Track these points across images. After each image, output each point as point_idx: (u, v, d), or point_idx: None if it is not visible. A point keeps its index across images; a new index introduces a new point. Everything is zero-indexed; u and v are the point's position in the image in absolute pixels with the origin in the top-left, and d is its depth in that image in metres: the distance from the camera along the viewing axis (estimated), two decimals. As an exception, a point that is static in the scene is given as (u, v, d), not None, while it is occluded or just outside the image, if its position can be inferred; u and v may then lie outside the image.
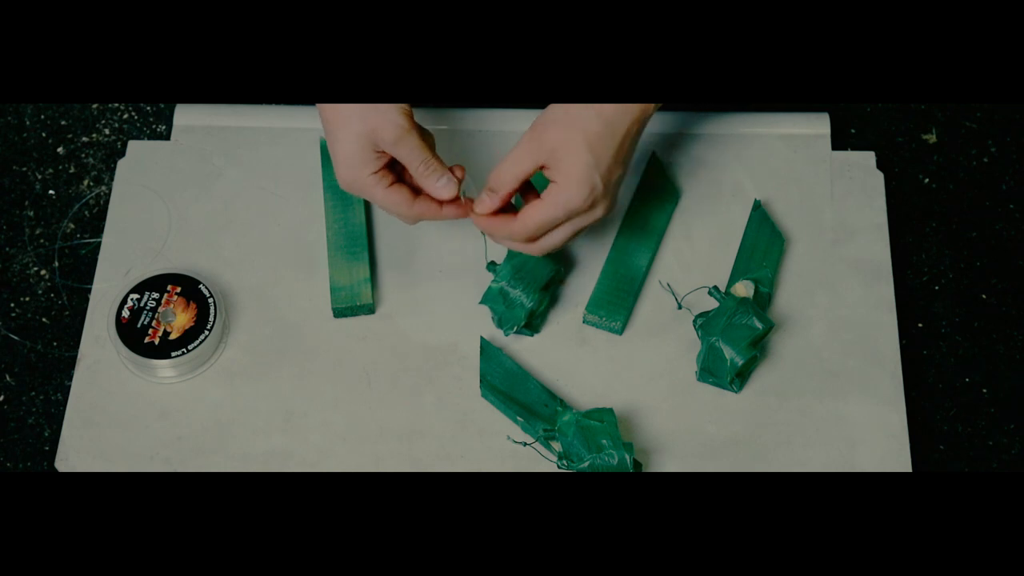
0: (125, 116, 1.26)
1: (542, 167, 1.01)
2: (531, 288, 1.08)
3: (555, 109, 1.01)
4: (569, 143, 0.99)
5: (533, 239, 1.02)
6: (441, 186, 1.03)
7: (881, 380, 1.08)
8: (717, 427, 1.06)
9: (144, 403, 1.07)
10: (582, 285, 1.12)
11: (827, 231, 1.14)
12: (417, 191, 1.04)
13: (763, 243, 1.13)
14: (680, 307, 1.10)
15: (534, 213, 1.00)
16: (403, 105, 1.01)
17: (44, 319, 1.15)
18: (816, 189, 1.16)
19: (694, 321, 1.08)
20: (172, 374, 1.08)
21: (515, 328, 1.08)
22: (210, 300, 1.09)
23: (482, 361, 1.08)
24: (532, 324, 1.09)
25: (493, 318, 1.09)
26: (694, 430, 1.06)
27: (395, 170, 1.04)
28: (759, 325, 1.06)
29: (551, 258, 1.09)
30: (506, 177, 1.01)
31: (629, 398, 1.07)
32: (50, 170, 1.23)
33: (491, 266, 1.09)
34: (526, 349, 1.09)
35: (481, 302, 1.09)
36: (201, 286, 1.10)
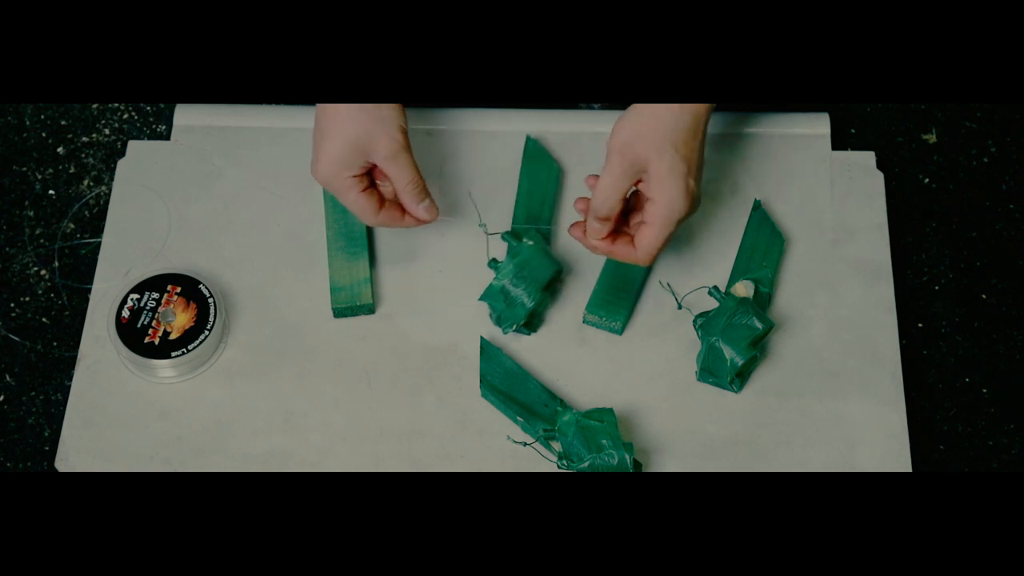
0: (125, 116, 1.26)
1: (638, 182, 1.02)
2: (533, 287, 1.08)
3: (634, 118, 1.01)
4: (662, 156, 1.00)
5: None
6: (424, 208, 1.07)
7: (881, 380, 1.08)
8: (717, 427, 1.06)
9: (144, 403, 1.07)
10: (582, 285, 1.12)
11: (827, 231, 1.14)
12: (383, 198, 1.07)
13: (763, 243, 1.13)
14: (680, 307, 1.10)
15: (651, 239, 1.02)
16: (400, 123, 1.04)
17: (44, 319, 1.15)
18: (816, 189, 1.16)
19: (694, 321, 1.08)
20: (172, 374, 1.08)
21: (514, 327, 1.08)
22: (210, 300, 1.09)
23: (482, 361, 1.08)
24: (531, 323, 1.09)
25: (491, 315, 1.09)
26: (694, 430, 1.06)
27: (369, 176, 1.06)
28: (759, 325, 1.06)
29: (552, 258, 1.09)
30: (610, 201, 1.02)
31: (629, 398, 1.07)
32: (50, 170, 1.23)
33: (493, 263, 1.09)
34: (526, 349, 1.09)
35: (481, 298, 1.09)
36: (201, 286, 1.10)
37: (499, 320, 1.09)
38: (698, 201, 1.03)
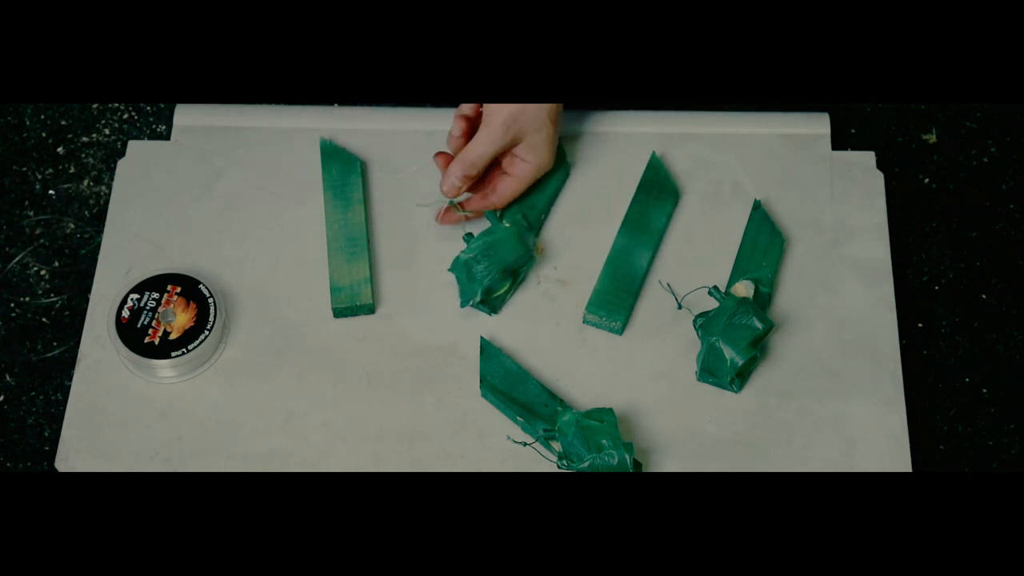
0: (125, 116, 1.26)
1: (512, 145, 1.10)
2: (494, 267, 1.08)
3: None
4: (540, 130, 1.09)
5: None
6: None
7: (881, 380, 1.07)
8: (717, 427, 1.06)
9: (144, 403, 1.07)
10: (582, 285, 1.12)
11: (827, 231, 1.14)
12: None
13: (763, 243, 1.13)
14: (680, 307, 1.10)
15: (515, 189, 1.12)
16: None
17: (44, 319, 1.15)
18: (816, 189, 1.16)
19: (694, 321, 1.08)
20: (172, 374, 1.08)
21: (471, 302, 1.09)
22: (210, 300, 1.09)
23: (482, 361, 1.08)
24: (490, 303, 1.10)
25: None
26: (694, 430, 1.06)
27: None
28: (759, 325, 1.06)
29: (523, 244, 1.10)
30: (483, 160, 1.11)
31: (629, 398, 1.07)
32: (50, 170, 1.23)
33: (467, 237, 1.10)
34: (526, 349, 1.09)
35: (449, 269, 1.10)
36: (201, 286, 1.10)
37: (460, 293, 1.09)
38: (554, 158, 1.13)
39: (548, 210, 1.15)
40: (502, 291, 1.11)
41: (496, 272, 1.09)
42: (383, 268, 1.13)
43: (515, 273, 1.11)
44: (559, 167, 1.16)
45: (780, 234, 1.13)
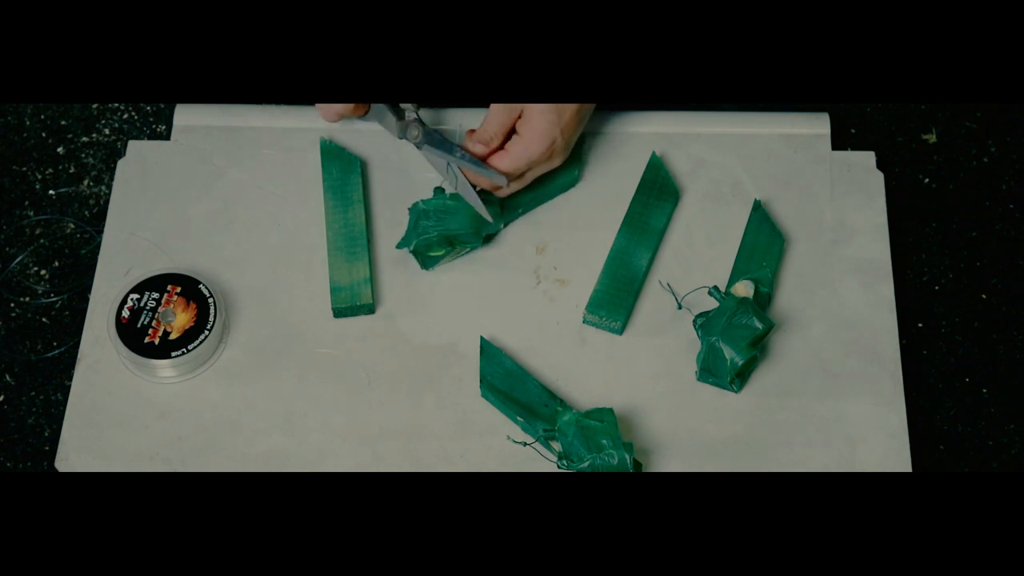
0: (125, 116, 1.26)
1: (517, 118, 1.09)
2: (437, 228, 1.10)
3: None
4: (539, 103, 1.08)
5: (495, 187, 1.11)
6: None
7: (881, 380, 1.08)
8: (717, 427, 1.06)
9: (144, 403, 1.07)
10: (582, 285, 1.12)
11: (827, 231, 1.14)
12: None
13: (763, 243, 1.13)
14: (680, 307, 1.10)
15: (501, 165, 1.10)
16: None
17: (44, 319, 1.15)
18: (816, 189, 1.16)
19: (694, 321, 1.08)
20: (172, 374, 1.08)
21: (406, 248, 1.10)
22: (210, 300, 1.09)
23: (482, 361, 1.08)
24: (423, 257, 1.11)
25: None
26: (694, 430, 1.06)
27: None
28: (759, 325, 1.06)
29: (474, 224, 1.11)
30: (491, 128, 1.09)
31: (629, 398, 1.07)
32: (50, 170, 1.23)
33: (437, 189, 1.12)
34: (526, 349, 1.09)
35: (408, 208, 1.11)
36: (201, 286, 1.10)
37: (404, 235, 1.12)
38: (559, 155, 1.10)
39: (532, 206, 1.15)
40: (437, 253, 1.11)
41: (435, 234, 1.10)
42: (383, 268, 1.13)
43: (453, 242, 1.11)
44: (565, 170, 1.15)
45: (780, 234, 1.13)
